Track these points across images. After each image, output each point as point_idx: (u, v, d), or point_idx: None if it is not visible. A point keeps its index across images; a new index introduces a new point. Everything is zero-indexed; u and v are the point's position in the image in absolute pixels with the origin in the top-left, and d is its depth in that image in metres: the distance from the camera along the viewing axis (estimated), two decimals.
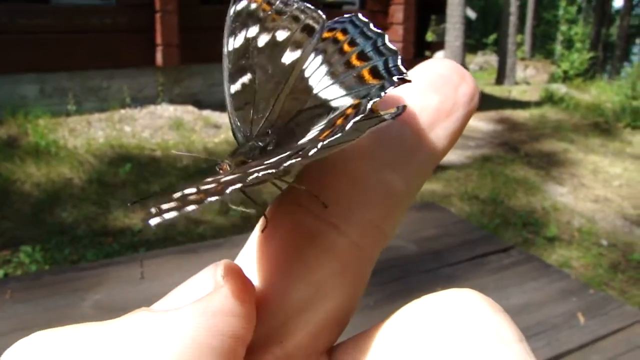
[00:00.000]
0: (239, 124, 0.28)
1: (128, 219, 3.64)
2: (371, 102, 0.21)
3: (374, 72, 0.24)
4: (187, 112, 5.46)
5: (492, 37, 18.96)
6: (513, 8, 11.55)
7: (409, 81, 0.23)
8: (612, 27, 22.39)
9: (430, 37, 17.58)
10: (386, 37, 0.25)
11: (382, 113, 0.22)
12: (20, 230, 3.43)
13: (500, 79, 11.56)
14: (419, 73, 0.24)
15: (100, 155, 4.56)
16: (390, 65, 0.24)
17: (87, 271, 2.12)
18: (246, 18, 0.29)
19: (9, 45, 4.75)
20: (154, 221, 0.17)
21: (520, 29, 16.40)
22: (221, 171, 0.26)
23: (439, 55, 13.83)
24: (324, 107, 0.25)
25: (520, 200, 4.42)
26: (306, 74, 0.27)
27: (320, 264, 0.21)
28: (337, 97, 0.25)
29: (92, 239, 3.36)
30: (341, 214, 0.22)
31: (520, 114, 7.38)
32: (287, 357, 0.21)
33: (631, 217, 4.33)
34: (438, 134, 0.23)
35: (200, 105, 5.66)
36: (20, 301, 1.82)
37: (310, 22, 0.28)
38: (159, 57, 5.34)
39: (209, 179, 0.21)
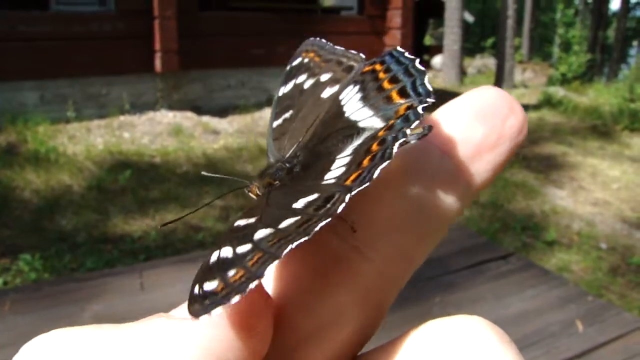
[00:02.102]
0: (273, 148, 0.29)
1: (128, 226, 3.64)
2: (397, 146, 0.21)
3: (402, 91, 0.25)
4: (186, 118, 5.46)
5: (490, 41, 18.98)
6: (511, 11, 11.57)
7: (433, 101, 0.23)
8: (609, 30, 22.45)
9: (428, 41, 17.62)
10: (417, 60, 0.26)
11: (408, 133, 0.22)
12: (19, 237, 3.43)
13: (498, 82, 11.57)
14: (466, 101, 0.24)
15: (100, 161, 4.57)
16: (418, 84, 0.25)
17: (87, 282, 2.12)
18: (298, 69, 0.32)
19: (8, 52, 4.76)
20: (203, 317, 0.17)
21: (518, 32, 16.43)
22: (251, 194, 0.27)
23: (437, 59, 13.87)
24: (352, 128, 0.26)
25: (519, 204, 4.42)
26: (342, 102, 0.27)
27: (342, 288, 0.21)
28: (365, 117, 0.26)
29: (91, 246, 3.36)
30: (369, 240, 0.21)
31: None
32: None
33: (630, 220, 4.33)
34: (479, 167, 0.23)
35: (199, 111, 5.67)
36: (19, 312, 1.82)
37: (352, 63, 0.29)
38: (157, 64, 5.36)
39: (241, 226, 0.22)
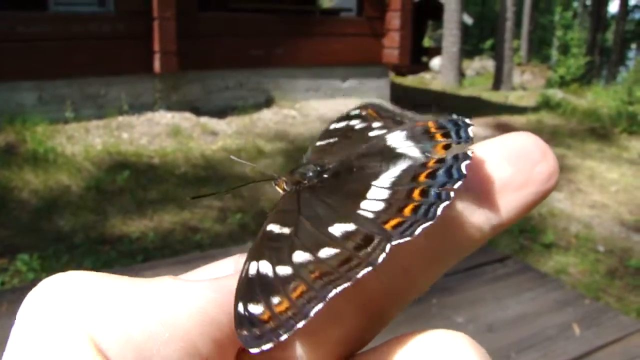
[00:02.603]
0: (309, 157, 0.30)
1: (126, 227, 3.64)
2: (441, 208, 0.21)
3: (445, 135, 0.26)
4: (184, 119, 5.46)
5: (488, 43, 19.02)
6: (509, 13, 11.60)
7: (470, 150, 0.24)
8: (608, 32, 22.49)
9: (427, 43, 17.64)
10: (467, 119, 0.27)
11: (452, 195, 0.22)
12: (17, 238, 3.43)
13: (497, 85, 11.60)
14: (499, 142, 0.24)
15: (98, 162, 4.56)
16: (461, 131, 0.26)
17: None
18: (354, 117, 0.33)
19: (7, 53, 4.76)
20: (255, 351, 0.19)
21: (517, 35, 16.46)
22: (277, 188, 0.27)
23: (436, 61, 13.88)
24: (389, 151, 0.27)
25: None
26: (387, 138, 0.28)
27: (343, 297, 0.21)
28: (404, 146, 0.27)
29: (89, 247, 3.36)
30: None
31: (517, 120, 7.40)
32: None
33: (628, 222, 4.34)
34: (503, 205, 0.23)
35: (198, 112, 5.67)
36: (16, 313, 1.81)
37: (405, 120, 0.31)
38: (156, 64, 5.35)
39: (275, 234, 0.22)
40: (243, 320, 0.19)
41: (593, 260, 3.60)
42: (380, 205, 0.23)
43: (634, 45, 25.93)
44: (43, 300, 0.19)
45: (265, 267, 0.21)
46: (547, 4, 26.81)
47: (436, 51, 14.53)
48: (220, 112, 5.80)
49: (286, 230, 0.22)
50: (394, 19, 6.51)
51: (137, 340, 0.18)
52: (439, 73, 12.64)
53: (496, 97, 9.85)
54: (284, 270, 0.20)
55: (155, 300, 0.19)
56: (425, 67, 14.66)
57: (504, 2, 11.82)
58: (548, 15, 25.20)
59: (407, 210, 0.22)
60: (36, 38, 4.92)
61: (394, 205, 0.23)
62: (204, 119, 5.56)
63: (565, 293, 2.06)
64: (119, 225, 3.66)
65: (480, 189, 0.23)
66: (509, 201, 0.24)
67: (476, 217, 0.23)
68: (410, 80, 11.81)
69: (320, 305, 0.19)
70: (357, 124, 0.32)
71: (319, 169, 0.27)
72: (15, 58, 4.82)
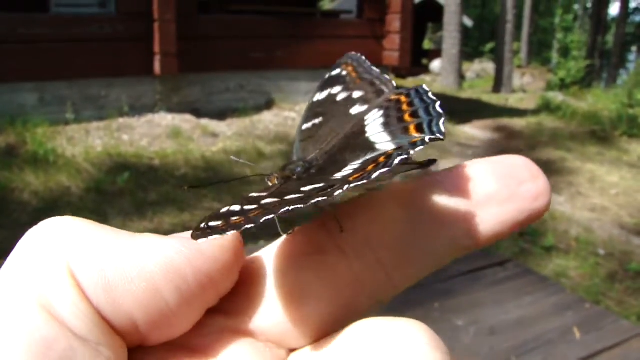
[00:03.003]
0: (298, 149, 0.33)
1: (126, 228, 3.59)
2: (399, 159, 0.23)
3: (419, 127, 0.28)
4: (185, 121, 5.46)
5: (488, 45, 19.03)
6: (510, 16, 11.61)
7: (442, 139, 0.26)
8: (608, 35, 22.50)
9: (427, 45, 17.67)
10: (438, 102, 0.28)
11: (414, 161, 0.24)
12: (17, 239, 3.42)
13: (497, 87, 11.60)
14: (490, 160, 0.25)
15: (99, 164, 4.56)
16: (434, 123, 0.27)
17: None
18: (335, 80, 0.35)
19: (8, 54, 4.76)
20: (201, 240, 0.21)
21: (517, 37, 16.47)
22: (269, 183, 0.29)
23: (436, 63, 13.90)
24: (369, 147, 0.28)
25: None
26: (366, 122, 0.31)
27: (314, 276, 0.23)
28: (382, 142, 0.28)
29: None
30: (355, 245, 0.23)
31: (517, 122, 7.41)
32: (254, 334, 0.23)
33: (628, 225, 4.34)
34: (484, 218, 0.24)
35: (198, 114, 5.67)
36: None
37: (383, 87, 0.33)
38: (157, 66, 5.35)
39: (253, 196, 0.24)
40: (200, 229, 0.21)
41: (593, 264, 3.59)
42: (350, 172, 0.26)
43: (634, 48, 25.97)
44: (36, 235, 0.22)
45: (235, 207, 0.23)
46: (548, 6, 26.84)
47: (436, 53, 14.55)
48: (221, 114, 5.80)
49: (264, 194, 0.25)
50: (394, 21, 6.51)
51: (108, 274, 0.21)
52: (439, 75, 12.66)
53: (496, 99, 9.85)
54: (251, 207, 0.23)
55: (130, 245, 0.22)
56: (426, 70, 14.67)
57: (504, 4, 11.83)
58: (548, 18, 25.25)
59: (369, 168, 0.24)
60: (37, 40, 4.93)
61: (360, 168, 0.25)
62: (205, 121, 5.56)
63: (566, 297, 2.06)
64: (119, 227, 3.63)
65: (462, 201, 0.24)
66: (491, 214, 0.24)
67: (456, 227, 0.24)
68: (410, 83, 11.82)
69: (269, 216, 0.21)
70: (338, 91, 0.34)
71: (307, 165, 0.30)
72: (16, 60, 4.82)
